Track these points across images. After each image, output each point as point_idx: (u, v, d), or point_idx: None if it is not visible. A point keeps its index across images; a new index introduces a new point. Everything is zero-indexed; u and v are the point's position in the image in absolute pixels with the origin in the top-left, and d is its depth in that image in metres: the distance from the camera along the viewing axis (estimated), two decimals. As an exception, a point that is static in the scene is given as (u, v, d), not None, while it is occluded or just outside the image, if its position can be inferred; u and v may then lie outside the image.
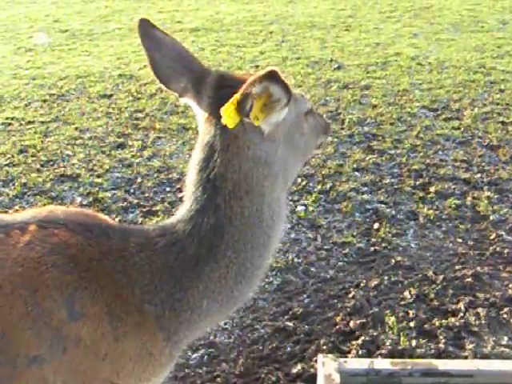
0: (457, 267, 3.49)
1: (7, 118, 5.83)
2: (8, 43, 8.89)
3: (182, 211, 1.58)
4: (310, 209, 4.15)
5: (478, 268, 3.46)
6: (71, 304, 1.43)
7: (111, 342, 1.47)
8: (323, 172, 4.66)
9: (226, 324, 3.08)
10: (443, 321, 3.05)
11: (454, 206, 4.16)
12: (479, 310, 3.12)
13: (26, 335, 1.41)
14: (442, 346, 2.88)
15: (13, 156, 4.98)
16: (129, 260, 1.52)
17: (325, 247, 3.74)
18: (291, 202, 4.20)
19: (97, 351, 1.46)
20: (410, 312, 3.12)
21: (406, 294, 3.28)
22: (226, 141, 1.53)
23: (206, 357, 2.89)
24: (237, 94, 1.42)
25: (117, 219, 3.90)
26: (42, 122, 5.73)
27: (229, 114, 1.43)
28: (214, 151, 1.53)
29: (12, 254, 1.45)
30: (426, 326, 3.03)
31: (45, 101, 6.37)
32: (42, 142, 5.27)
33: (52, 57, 8.12)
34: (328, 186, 4.46)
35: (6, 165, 4.82)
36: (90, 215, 1.64)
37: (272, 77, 1.38)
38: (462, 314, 3.09)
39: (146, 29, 1.65)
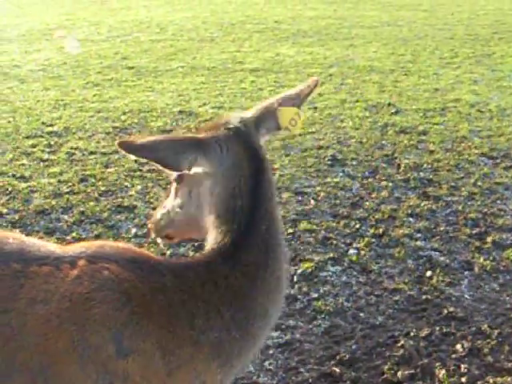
0: (514, 322, 3.35)
1: (71, 148, 6.08)
2: (78, 78, 9.34)
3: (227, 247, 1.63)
4: (362, 253, 4.09)
5: (537, 325, 3.31)
6: (119, 340, 1.43)
7: (164, 376, 1.47)
8: (376, 216, 4.61)
9: (269, 365, 3.05)
10: (498, 379, 2.91)
11: (512, 258, 4.01)
12: (537, 369, 2.96)
13: (71, 369, 1.42)
14: (495, 405, 2.75)
15: (74, 184, 5.17)
16: (188, 294, 1.54)
17: (375, 293, 3.66)
18: (343, 245, 4.16)
19: None
20: (462, 366, 3.00)
21: (458, 347, 3.15)
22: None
23: (248, 397, 2.86)
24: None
25: (168, 252, 3.96)
26: (104, 154, 5.95)
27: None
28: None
29: (61, 287, 1.47)
30: (478, 382, 2.89)
31: (108, 133, 6.62)
32: (102, 172, 5.46)
33: (118, 92, 8.47)
34: (381, 230, 4.39)
35: (66, 192, 5.01)
36: (137, 252, 1.67)
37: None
38: (518, 373, 2.95)
39: (130, 147, 1.67)
